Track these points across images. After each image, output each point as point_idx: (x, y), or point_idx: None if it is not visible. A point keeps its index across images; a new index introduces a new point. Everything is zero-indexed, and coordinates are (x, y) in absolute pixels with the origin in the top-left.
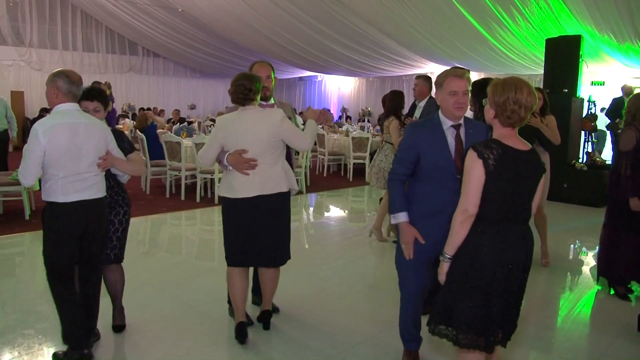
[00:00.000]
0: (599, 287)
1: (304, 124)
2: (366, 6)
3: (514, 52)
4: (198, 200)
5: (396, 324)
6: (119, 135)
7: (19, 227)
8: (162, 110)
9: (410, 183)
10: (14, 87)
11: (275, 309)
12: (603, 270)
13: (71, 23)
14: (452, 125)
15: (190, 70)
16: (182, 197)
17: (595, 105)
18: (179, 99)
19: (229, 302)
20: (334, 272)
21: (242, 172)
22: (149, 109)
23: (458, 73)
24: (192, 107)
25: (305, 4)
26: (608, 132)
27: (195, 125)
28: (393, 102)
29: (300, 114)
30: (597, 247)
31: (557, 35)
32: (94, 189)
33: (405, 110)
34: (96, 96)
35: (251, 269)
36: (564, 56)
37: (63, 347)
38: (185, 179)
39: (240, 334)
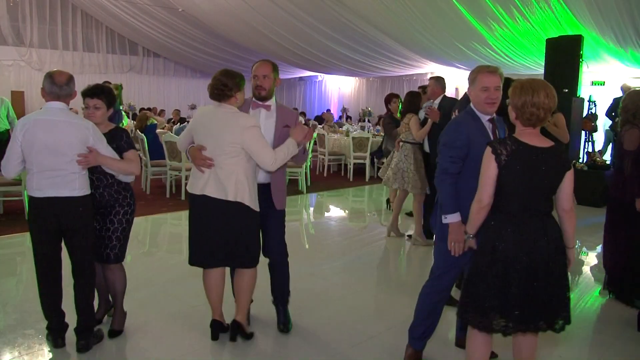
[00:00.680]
0: (611, 296)
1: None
2: (366, 6)
3: (514, 52)
4: None
5: (396, 324)
6: (117, 134)
7: (20, 227)
8: (162, 110)
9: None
10: (15, 87)
11: (247, 335)
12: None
13: (71, 23)
14: (488, 120)
15: (191, 70)
16: (182, 197)
17: (595, 105)
18: (179, 99)
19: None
20: (334, 272)
21: (197, 167)
22: (149, 109)
23: (490, 69)
24: (193, 107)
25: (305, 4)
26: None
27: None
28: (412, 103)
29: (286, 127)
30: (602, 252)
31: (557, 35)
32: (71, 186)
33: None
34: (97, 93)
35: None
36: (564, 56)
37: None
38: (186, 179)
39: (212, 333)
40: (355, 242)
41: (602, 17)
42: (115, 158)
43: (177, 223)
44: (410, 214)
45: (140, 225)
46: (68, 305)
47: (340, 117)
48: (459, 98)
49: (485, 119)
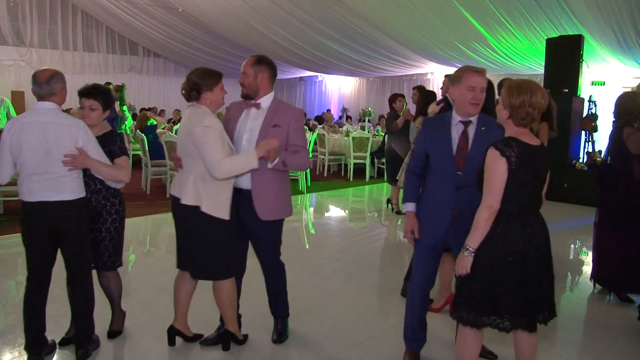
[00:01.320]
0: (609, 297)
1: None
2: (366, 6)
3: (515, 52)
4: None
5: (396, 324)
6: (111, 138)
7: (20, 227)
8: (162, 110)
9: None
10: (15, 87)
11: (240, 341)
12: (600, 278)
13: (71, 23)
14: (461, 121)
15: (191, 70)
16: None
17: (595, 105)
18: (180, 99)
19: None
20: (334, 272)
21: (175, 168)
22: (149, 109)
23: (478, 69)
24: None
25: (305, 4)
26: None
27: None
28: (428, 103)
29: (275, 126)
30: (592, 252)
31: (557, 35)
32: (62, 190)
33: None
34: (93, 93)
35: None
36: (564, 56)
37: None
38: None
39: (168, 338)
40: (355, 242)
41: (602, 17)
42: (105, 163)
43: None
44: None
45: (140, 225)
46: (67, 311)
47: (340, 117)
48: None
49: (456, 120)
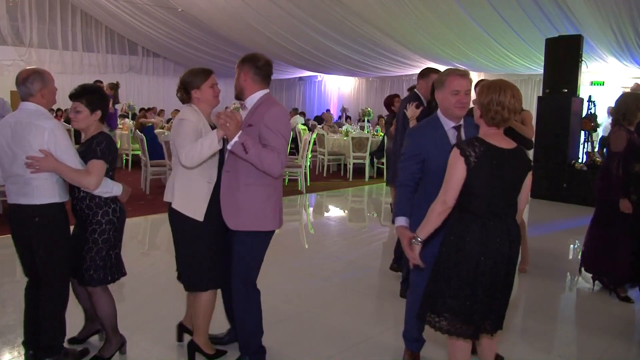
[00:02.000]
0: (598, 289)
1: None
2: (366, 6)
3: (514, 52)
4: None
5: (396, 324)
6: (98, 140)
7: None
8: (162, 110)
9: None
10: (14, 87)
11: (209, 356)
12: (589, 266)
13: (71, 23)
14: (453, 127)
15: None
16: None
17: (595, 105)
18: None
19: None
20: (334, 272)
21: None
22: (149, 109)
23: (461, 72)
24: None
25: (305, 4)
26: None
27: None
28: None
29: (250, 126)
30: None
31: (557, 35)
32: (28, 193)
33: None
34: (76, 95)
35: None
36: (563, 56)
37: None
38: None
39: (177, 334)
40: (355, 242)
41: (602, 17)
42: (71, 167)
43: None
44: None
45: (140, 225)
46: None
47: (339, 117)
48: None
49: (449, 125)
